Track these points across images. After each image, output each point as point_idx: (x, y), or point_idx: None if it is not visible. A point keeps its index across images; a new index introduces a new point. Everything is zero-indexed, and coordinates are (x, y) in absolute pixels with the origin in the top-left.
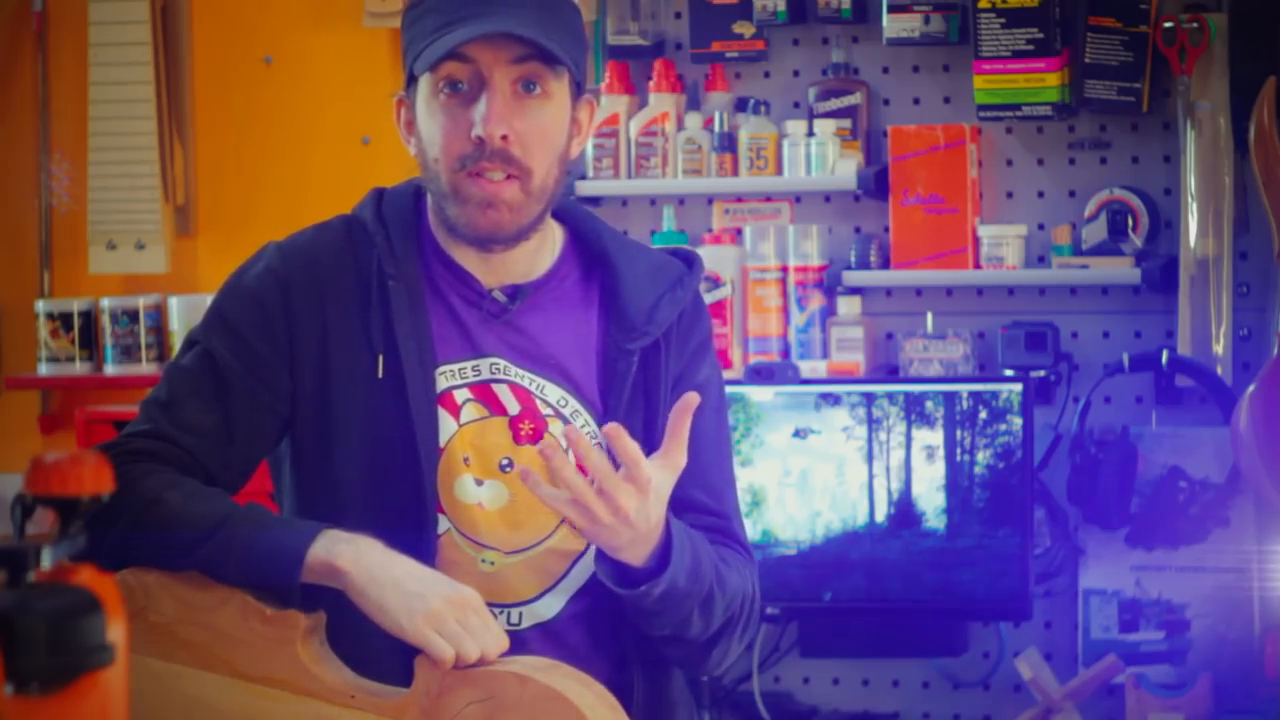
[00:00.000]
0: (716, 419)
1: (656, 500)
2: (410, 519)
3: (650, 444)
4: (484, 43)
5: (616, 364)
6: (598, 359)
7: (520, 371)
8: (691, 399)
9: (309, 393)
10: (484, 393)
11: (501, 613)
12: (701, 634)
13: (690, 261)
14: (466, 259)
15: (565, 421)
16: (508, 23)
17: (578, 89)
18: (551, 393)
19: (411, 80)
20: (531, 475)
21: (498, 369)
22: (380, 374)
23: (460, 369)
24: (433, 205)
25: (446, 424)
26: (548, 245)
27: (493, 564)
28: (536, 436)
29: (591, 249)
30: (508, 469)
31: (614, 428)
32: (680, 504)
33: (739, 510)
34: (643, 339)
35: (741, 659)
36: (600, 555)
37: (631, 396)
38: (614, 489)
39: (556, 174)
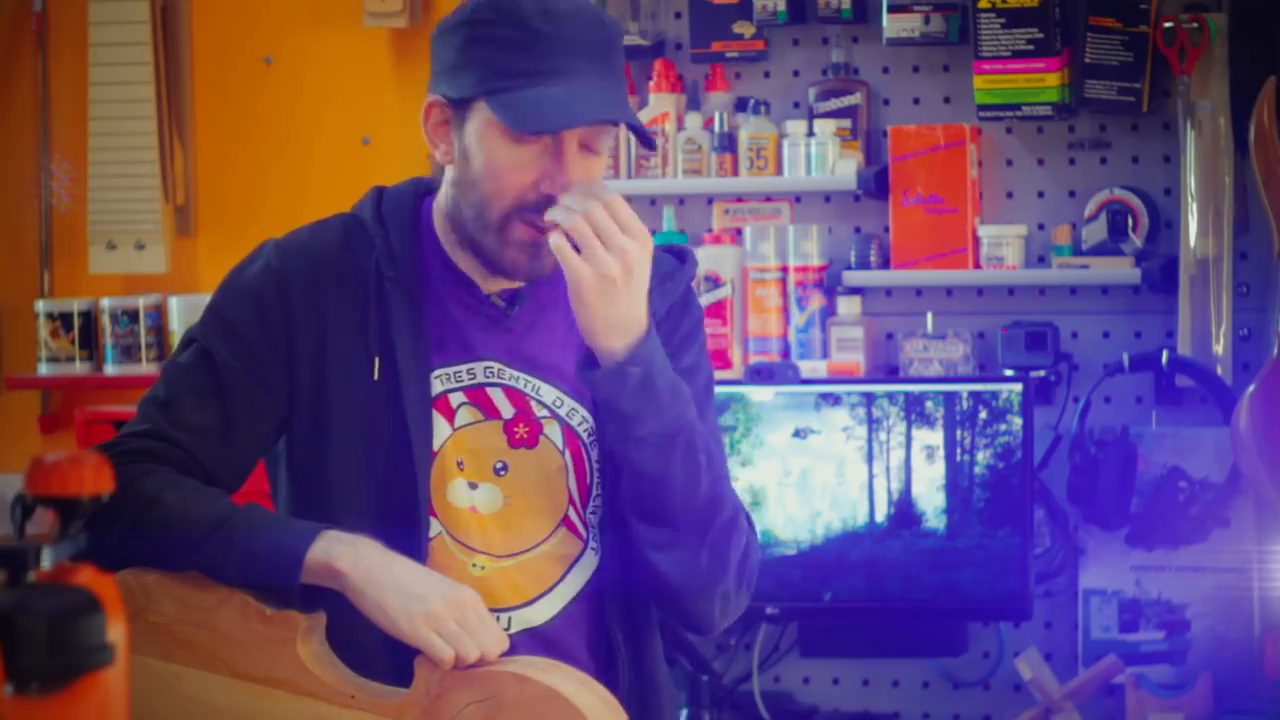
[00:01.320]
0: (703, 400)
1: (642, 258)
2: (402, 522)
3: None
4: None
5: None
6: (589, 355)
7: (515, 374)
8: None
9: (305, 392)
10: (478, 396)
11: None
12: (685, 494)
13: (682, 257)
14: (468, 265)
15: (561, 422)
16: (602, 96)
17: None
18: (547, 393)
19: (464, 101)
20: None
21: (491, 372)
22: (376, 376)
23: (455, 372)
24: (448, 212)
25: (440, 427)
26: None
27: (483, 568)
28: (531, 440)
29: None
30: (502, 472)
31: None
32: None
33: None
34: None
35: (741, 659)
36: (587, 360)
37: None
38: (612, 233)
39: None
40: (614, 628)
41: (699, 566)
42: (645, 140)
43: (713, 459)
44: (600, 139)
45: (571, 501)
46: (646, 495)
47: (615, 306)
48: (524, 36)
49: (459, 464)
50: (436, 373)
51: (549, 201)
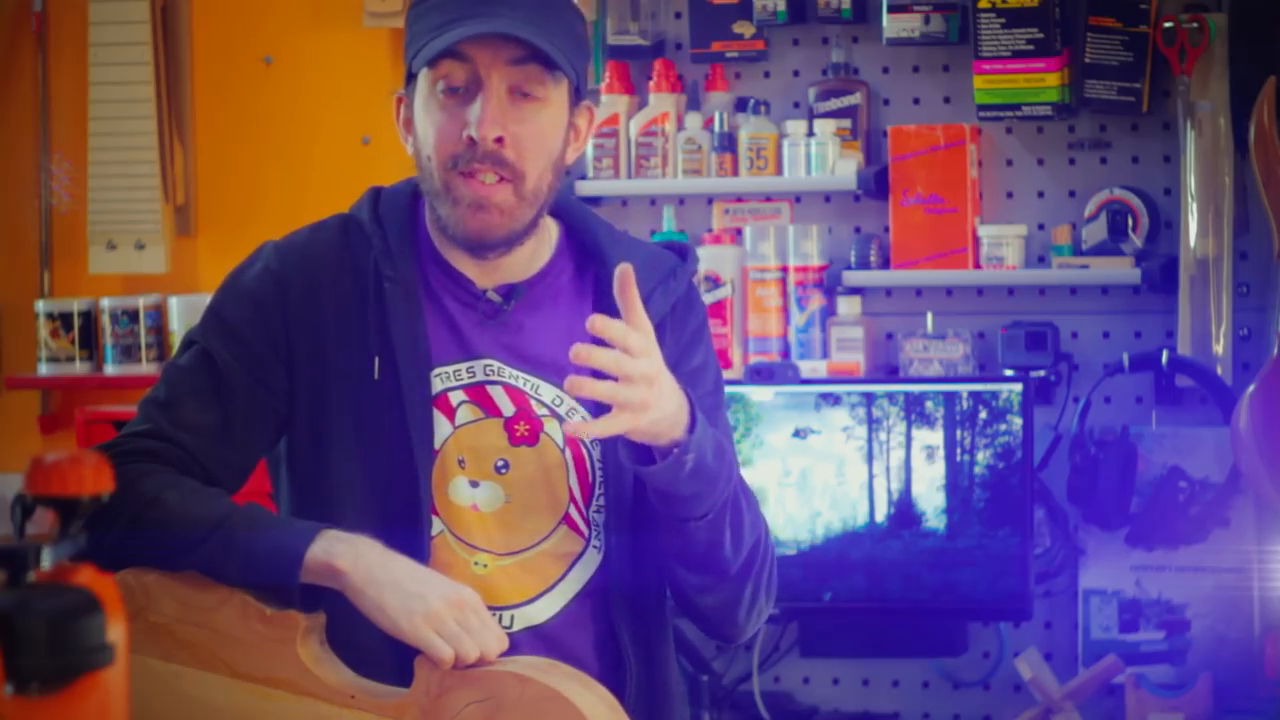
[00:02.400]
0: (713, 400)
1: (655, 362)
2: (404, 521)
3: None
4: (482, 43)
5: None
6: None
7: (514, 372)
8: (626, 272)
9: (306, 392)
10: (479, 394)
11: (494, 615)
12: (734, 550)
13: (684, 253)
14: (461, 260)
15: (561, 420)
16: (508, 24)
17: (576, 95)
18: (546, 392)
19: (411, 78)
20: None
21: (491, 370)
22: (376, 376)
23: (455, 371)
24: (429, 207)
25: (441, 426)
26: (543, 244)
27: (485, 566)
28: (532, 437)
29: (585, 244)
30: (504, 470)
31: (597, 318)
32: None
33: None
34: None
35: (741, 659)
36: (635, 452)
37: None
38: (625, 363)
39: (550, 179)
40: (620, 629)
41: (741, 599)
42: (545, 60)
43: (750, 502)
44: (538, 84)
45: (573, 499)
46: (697, 556)
47: (660, 414)
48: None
49: (460, 462)
50: (436, 371)
51: (474, 148)
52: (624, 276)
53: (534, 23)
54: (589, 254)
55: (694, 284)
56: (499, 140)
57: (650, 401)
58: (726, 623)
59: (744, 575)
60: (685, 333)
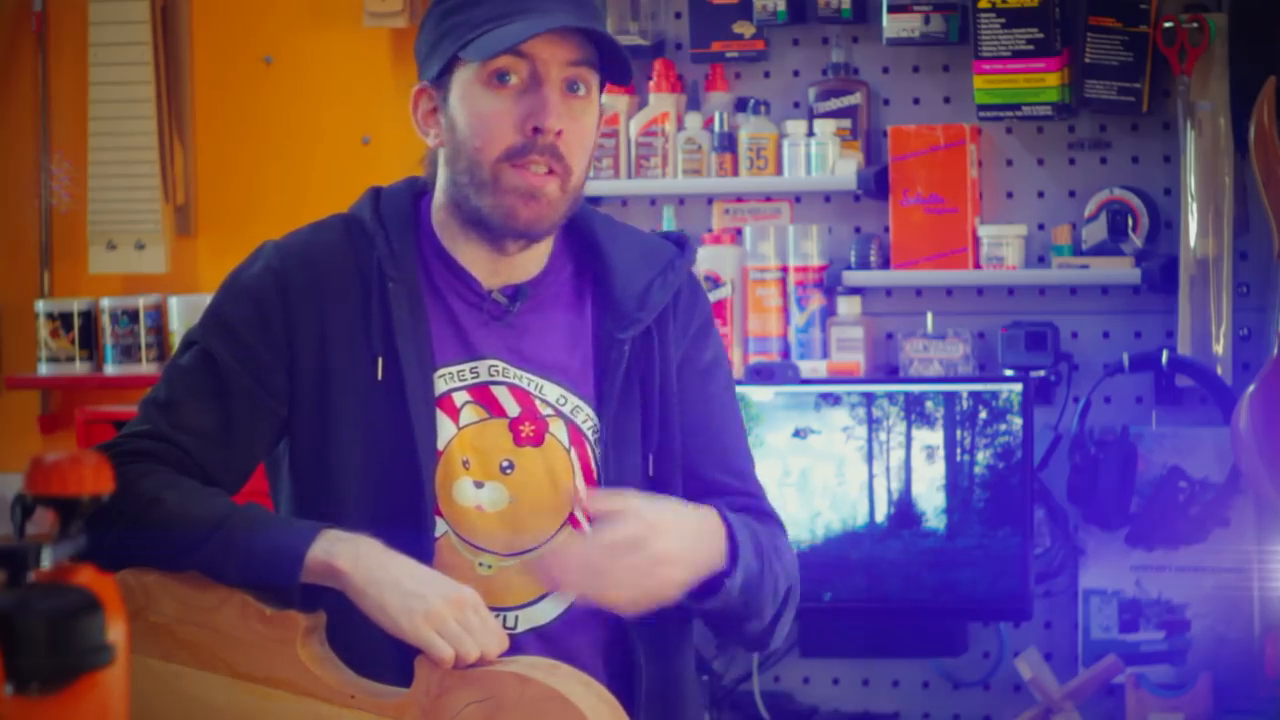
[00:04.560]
0: (728, 397)
1: (669, 520)
2: (408, 522)
3: (648, 434)
4: (545, 39)
5: (608, 354)
6: (593, 351)
7: (518, 372)
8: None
9: (307, 394)
10: (483, 395)
11: (497, 616)
12: (772, 612)
13: (682, 244)
14: (470, 259)
15: (566, 420)
16: (572, 18)
17: (602, 87)
18: (550, 392)
19: (443, 71)
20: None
21: (495, 371)
22: (380, 376)
23: (459, 371)
24: (446, 201)
25: (445, 427)
26: (549, 242)
27: (490, 567)
28: (538, 438)
29: (583, 237)
30: (509, 471)
31: (581, 496)
32: (711, 488)
33: (760, 484)
34: (634, 327)
35: (741, 659)
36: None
37: (625, 386)
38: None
39: (585, 175)
40: (632, 630)
41: (773, 634)
42: (618, 59)
43: (778, 548)
44: (585, 79)
45: (577, 499)
46: (727, 631)
47: (679, 553)
48: None
49: (464, 463)
50: (440, 372)
51: (535, 139)
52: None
53: (578, 11)
54: (588, 249)
55: (694, 274)
56: (559, 134)
57: (653, 552)
58: (753, 646)
59: (776, 620)
60: (692, 327)
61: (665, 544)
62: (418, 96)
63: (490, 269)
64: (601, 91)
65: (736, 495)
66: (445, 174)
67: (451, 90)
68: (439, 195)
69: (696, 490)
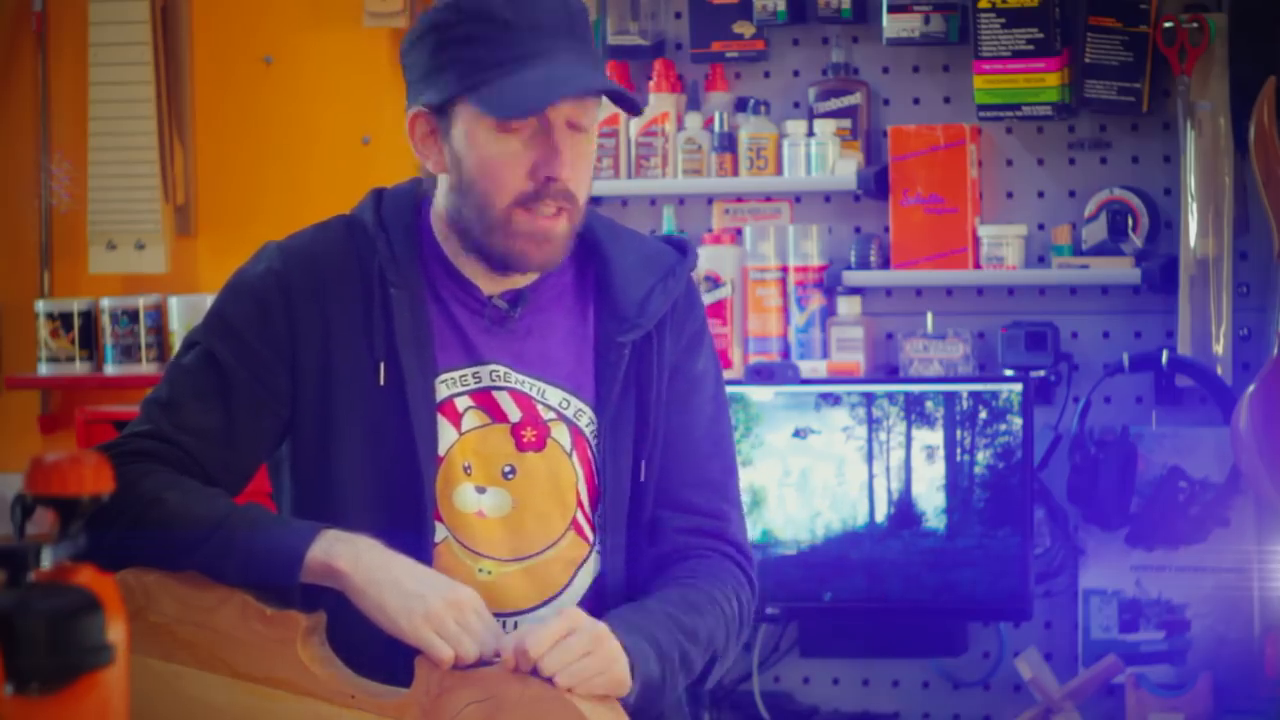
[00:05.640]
0: (714, 409)
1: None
2: (407, 527)
3: (641, 439)
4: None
5: (608, 357)
6: (593, 354)
7: (520, 377)
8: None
9: (309, 396)
10: (485, 400)
11: (498, 622)
12: (692, 678)
13: (684, 249)
14: (472, 269)
15: (569, 424)
16: (581, 69)
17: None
18: (552, 396)
19: (444, 106)
20: None
21: (497, 376)
22: (382, 381)
23: (461, 376)
24: (448, 219)
25: (447, 432)
26: None
27: (489, 573)
28: (539, 443)
29: (585, 240)
30: (511, 476)
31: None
32: (675, 504)
33: (739, 503)
34: (634, 331)
35: (741, 659)
36: None
37: (624, 389)
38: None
39: (589, 199)
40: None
41: (705, 680)
42: (629, 105)
43: (697, 636)
44: (586, 115)
45: (580, 504)
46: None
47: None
48: (492, 28)
49: (466, 469)
50: (442, 377)
51: (548, 186)
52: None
53: (586, 53)
54: (589, 252)
55: (693, 283)
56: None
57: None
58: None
59: (704, 676)
60: (685, 335)
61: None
62: (414, 121)
63: (491, 277)
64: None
65: (700, 515)
66: (450, 199)
67: (455, 125)
68: (441, 208)
69: (663, 504)
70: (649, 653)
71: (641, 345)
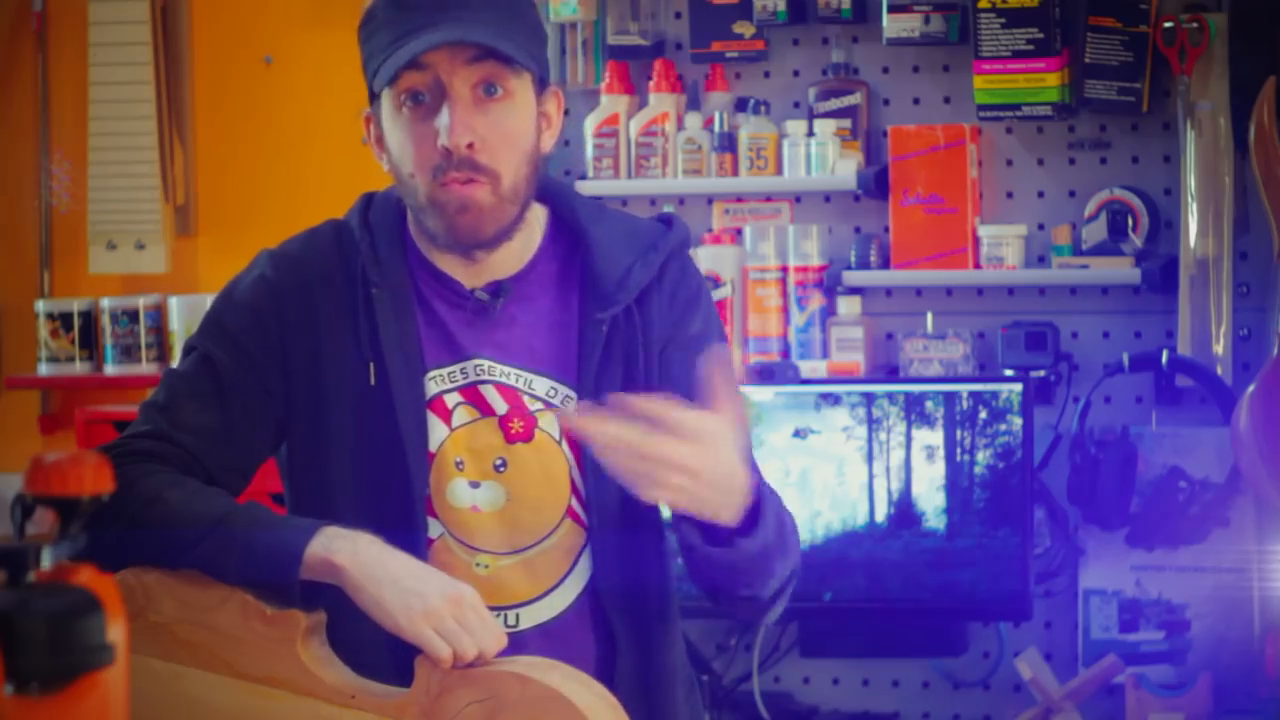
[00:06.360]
0: None
1: (722, 449)
2: (400, 526)
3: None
4: (439, 50)
5: (587, 336)
6: (576, 337)
7: (505, 369)
8: (716, 354)
9: (302, 399)
10: (472, 395)
11: (499, 615)
12: (777, 587)
13: (669, 222)
14: (448, 263)
15: (557, 412)
16: (460, 29)
17: (541, 84)
18: (539, 385)
19: (375, 97)
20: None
21: (482, 370)
22: (372, 381)
23: (449, 373)
24: (411, 216)
25: (437, 429)
26: (532, 234)
27: (487, 567)
28: (527, 434)
29: (570, 228)
30: (502, 469)
31: (580, 418)
32: None
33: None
34: (613, 307)
35: (741, 659)
36: (680, 520)
37: (606, 367)
38: (654, 445)
39: (526, 172)
40: (613, 618)
41: (771, 608)
42: (505, 59)
43: (781, 522)
44: (502, 79)
45: (575, 491)
46: (726, 600)
47: (708, 496)
48: (395, 11)
49: (458, 464)
50: (431, 374)
51: (450, 156)
52: (711, 360)
53: (488, 20)
54: (575, 238)
55: (683, 254)
56: (470, 145)
57: (692, 490)
58: (751, 619)
59: (777, 597)
60: (677, 302)
61: (729, 452)
62: (366, 123)
63: (469, 270)
64: (541, 78)
65: None
66: (401, 195)
67: (382, 116)
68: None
69: None
70: (771, 514)
71: (624, 321)
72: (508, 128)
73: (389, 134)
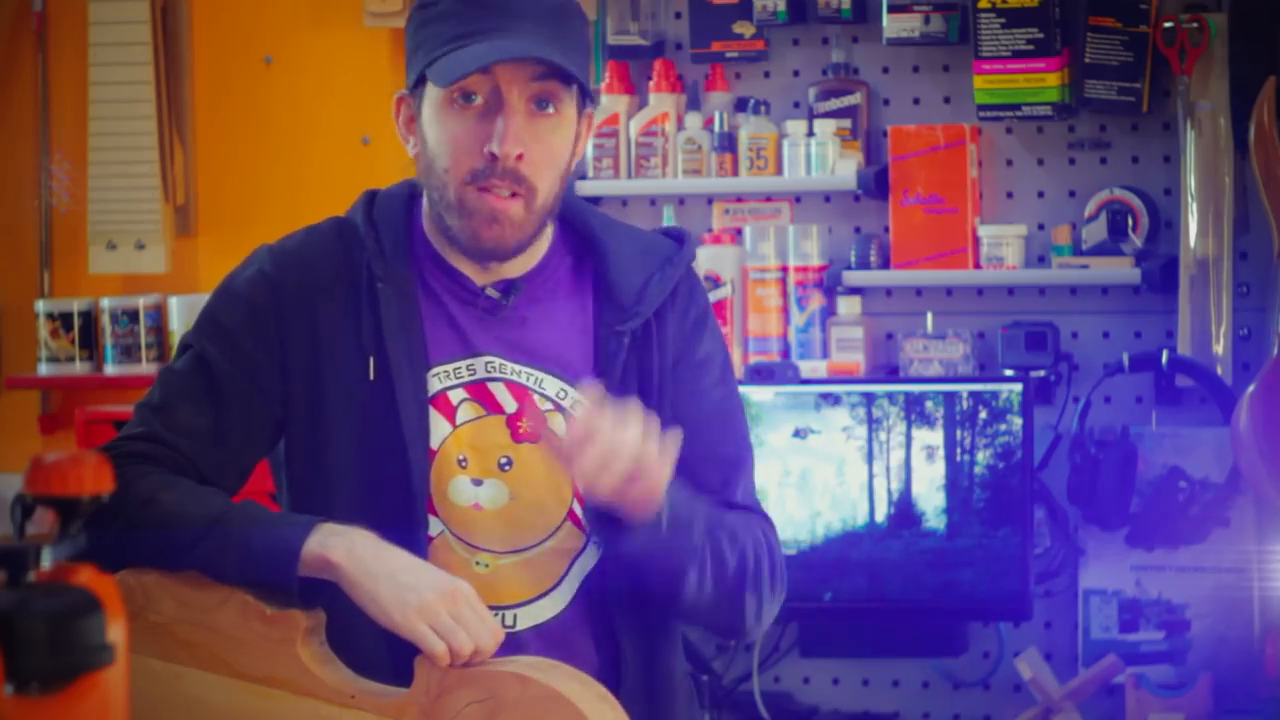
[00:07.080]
0: (723, 391)
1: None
2: (399, 522)
3: None
4: (507, 61)
5: (608, 346)
6: (592, 344)
7: (516, 368)
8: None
9: (301, 396)
10: (480, 392)
11: (496, 615)
12: (719, 580)
13: (680, 239)
14: (461, 260)
15: (566, 414)
16: (532, 43)
17: (583, 101)
18: (550, 386)
19: (419, 81)
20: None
21: (493, 367)
22: (372, 376)
23: (455, 369)
24: (430, 209)
25: (440, 426)
26: (542, 239)
27: (487, 566)
28: (535, 434)
29: (581, 235)
30: (507, 468)
31: (590, 395)
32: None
33: (752, 480)
34: (633, 320)
35: (741, 659)
36: (597, 521)
37: (623, 378)
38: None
39: (559, 190)
40: (618, 623)
41: (739, 612)
42: (566, 78)
43: (733, 535)
44: (556, 98)
45: (577, 495)
46: (682, 608)
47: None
48: (464, 6)
49: (460, 461)
50: (435, 371)
51: (495, 164)
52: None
53: (553, 37)
54: (586, 244)
55: (693, 271)
56: (519, 157)
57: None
58: (733, 633)
59: (737, 596)
60: (687, 322)
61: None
62: (397, 104)
63: (479, 269)
64: (585, 95)
65: (715, 494)
66: (423, 184)
67: (424, 104)
68: (426, 201)
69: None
70: (683, 497)
71: (640, 335)
72: (552, 144)
73: (429, 125)
